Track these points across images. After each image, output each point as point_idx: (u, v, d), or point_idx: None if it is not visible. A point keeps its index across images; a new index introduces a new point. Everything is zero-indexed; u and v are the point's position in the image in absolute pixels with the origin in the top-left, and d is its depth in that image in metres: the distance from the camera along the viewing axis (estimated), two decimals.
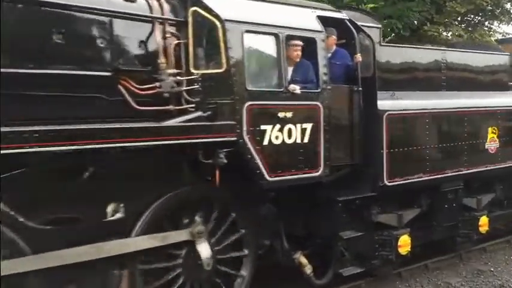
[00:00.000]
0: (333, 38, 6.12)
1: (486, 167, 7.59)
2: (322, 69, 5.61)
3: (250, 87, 5.00)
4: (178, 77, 4.88)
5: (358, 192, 6.17)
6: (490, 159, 7.68)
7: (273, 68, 5.30)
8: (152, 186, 4.85)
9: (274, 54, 5.27)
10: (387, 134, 6.18)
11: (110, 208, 4.65)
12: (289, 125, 5.30)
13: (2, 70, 3.90)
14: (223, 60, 4.85)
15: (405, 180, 6.42)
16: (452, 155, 7.07)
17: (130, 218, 4.75)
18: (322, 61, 5.61)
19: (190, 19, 4.96)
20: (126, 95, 4.60)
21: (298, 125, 5.38)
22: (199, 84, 4.99)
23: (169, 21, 4.98)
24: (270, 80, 5.31)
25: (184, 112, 4.93)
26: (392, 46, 7.40)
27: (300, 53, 5.49)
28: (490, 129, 7.68)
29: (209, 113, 4.88)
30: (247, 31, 5.01)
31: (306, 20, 5.66)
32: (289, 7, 5.66)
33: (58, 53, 4.37)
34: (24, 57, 4.21)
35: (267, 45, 5.28)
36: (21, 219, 4.05)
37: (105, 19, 4.57)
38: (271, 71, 5.32)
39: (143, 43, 4.79)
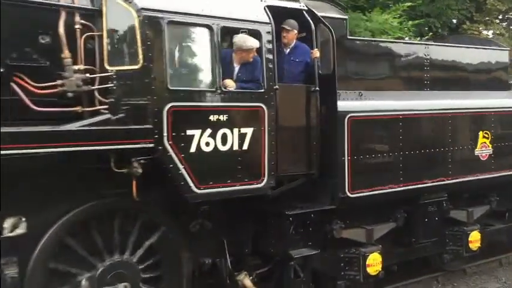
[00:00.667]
0: (294, 32, 5.43)
1: (476, 176, 6.72)
2: (268, 66, 4.91)
3: (173, 87, 4.34)
4: (88, 74, 4.26)
5: (317, 204, 5.45)
6: (481, 167, 6.79)
7: (204, 64, 4.63)
8: (61, 198, 4.27)
9: (207, 49, 4.60)
10: (350, 139, 5.44)
11: (7, 223, 4.09)
12: (224, 130, 4.62)
13: None
14: (140, 56, 4.22)
15: (372, 191, 5.65)
16: (432, 162, 6.25)
17: (33, 234, 4.17)
18: (267, 57, 4.91)
19: (104, 8, 4.35)
20: (22, 94, 4.01)
21: (236, 130, 4.70)
22: (114, 82, 4.36)
23: (81, 11, 4.36)
24: (201, 79, 4.65)
25: (97, 114, 4.32)
26: (362, 40, 6.57)
27: None
28: (481, 133, 6.81)
29: (121, 115, 4.25)
30: (171, 22, 4.35)
31: (250, 10, 4.96)
32: None
33: None
34: None
35: (198, 39, 4.62)
36: None
37: None
38: (202, 68, 4.66)
39: (44, 35, 4.18)
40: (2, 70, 3.94)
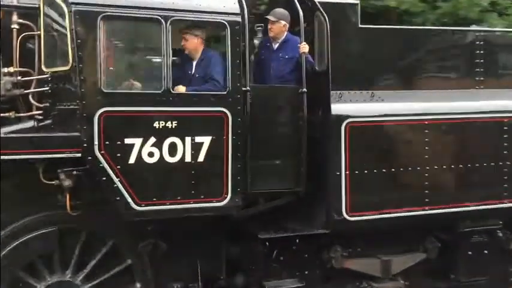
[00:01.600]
0: (281, 23, 4.62)
1: None
2: (234, 64, 4.17)
3: (107, 89, 3.84)
4: (21, 77, 3.96)
5: (306, 228, 4.56)
6: None
7: (149, 64, 4.08)
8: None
9: (153, 46, 4.04)
10: (348, 149, 4.45)
11: None
12: (172, 139, 4.01)
13: None
14: (70, 56, 3.80)
15: (379, 214, 4.57)
16: (476, 180, 4.92)
17: None
18: (234, 54, 4.17)
19: (41, 4, 4.01)
20: None
21: (188, 139, 4.04)
22: (50, 85, 4.00)
23: (20, 10, 4.09)
24: (145, 80, 4.08)
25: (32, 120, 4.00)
26: (378, 29, 5.32)
27: (196, 43, 4.20)
28: None
29: (48, 121, 3.88)
30: (107, 17, 3.86)
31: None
32: None
33: None
34: None
35: (143, 35, 4.08)
36: None
37: None
38: (147, 68, 4.10)
39: None
40: None
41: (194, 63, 4.29)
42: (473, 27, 6.21)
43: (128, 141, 3.89)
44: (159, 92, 3.97)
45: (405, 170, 4.68)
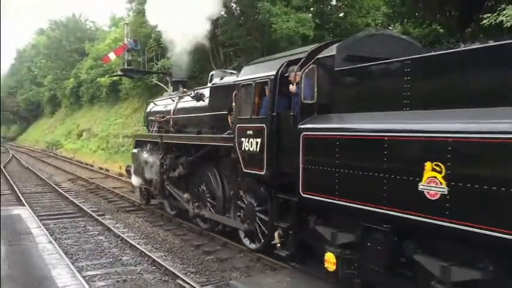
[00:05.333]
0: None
1: (421, 215, 5.37)
2: (268, 101, 8.33)
3: None
4: None
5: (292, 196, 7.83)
6: (429, 208, 5.28)
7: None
8: None
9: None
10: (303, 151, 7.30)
11: None
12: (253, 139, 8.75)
13: None
14: None
15: (319, 196, 6.99)
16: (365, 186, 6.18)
17: None
18: (270, 96, 8.35)
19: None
20: None
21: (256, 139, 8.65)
22: None
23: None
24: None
25: None
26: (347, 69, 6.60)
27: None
28: (428, 164, 5.25)
29: None
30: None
31: None
32: None
33: None
34: None
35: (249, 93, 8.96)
36: None
37: None
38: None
39: None
40: None
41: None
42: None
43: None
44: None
45: (333, 169, 6.67)
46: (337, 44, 7.43)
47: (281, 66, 8.18)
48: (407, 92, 5.88)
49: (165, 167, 12.45)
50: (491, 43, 5.49)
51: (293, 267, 8.16)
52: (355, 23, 22.89)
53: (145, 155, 13.59)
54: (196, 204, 11.13)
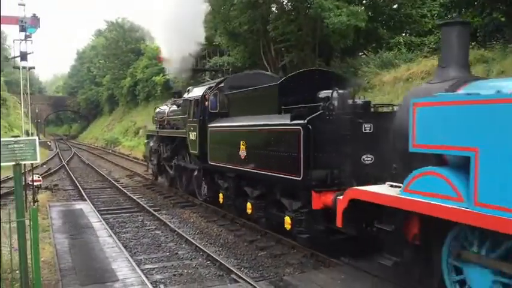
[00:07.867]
0: None
1: (238, 166, 10.76)
2: None
3: None
4: None
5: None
6: (242, 162, 10.48)
7: None
8: None
9: None
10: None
11: None
12: None
13: None
14: None
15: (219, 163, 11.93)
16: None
17: None
18: None
19: None
20: None
21: None
22: None
23: None
24: None
25: None
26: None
27: None
28: (242, 141, 10.29)
29: None
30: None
31: None
32: None
33: None
34: None
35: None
36: None
37: None
38: None
39: None
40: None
41: None
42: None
43: None
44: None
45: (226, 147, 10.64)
46: (226, 79, 13.62)
47: (204, 90, 13.40)
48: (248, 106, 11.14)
49: (159, 152, 18.35)
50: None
51: (346, 264, 8.13)
52: (410, 14, 22.32)
53: (151, 144, 19.46)
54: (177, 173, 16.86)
